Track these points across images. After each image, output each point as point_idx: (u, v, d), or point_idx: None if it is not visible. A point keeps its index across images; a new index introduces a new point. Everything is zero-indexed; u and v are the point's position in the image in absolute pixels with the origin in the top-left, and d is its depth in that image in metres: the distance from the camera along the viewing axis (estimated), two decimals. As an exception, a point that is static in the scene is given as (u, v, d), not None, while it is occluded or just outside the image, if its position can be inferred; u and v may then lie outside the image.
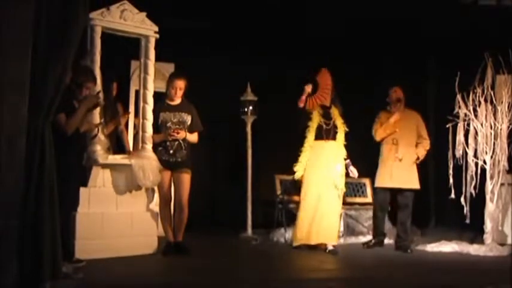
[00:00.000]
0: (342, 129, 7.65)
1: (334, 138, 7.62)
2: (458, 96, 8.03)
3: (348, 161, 7.69)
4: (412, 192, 7.90)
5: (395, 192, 7.96)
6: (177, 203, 6.92)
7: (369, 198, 9.16)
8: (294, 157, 7.72)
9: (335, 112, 7.71)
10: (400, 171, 7.83)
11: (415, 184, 7.91)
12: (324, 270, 6.44)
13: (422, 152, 7.95)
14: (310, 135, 7.61)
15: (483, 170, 8.03)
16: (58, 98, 4.57)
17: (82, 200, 6.27)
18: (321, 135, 7.59)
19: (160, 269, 6.32)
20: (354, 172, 7.77)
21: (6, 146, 4.23)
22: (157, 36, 6.94)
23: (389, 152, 7.92)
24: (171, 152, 6.86)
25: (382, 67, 10.08)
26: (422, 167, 8.28)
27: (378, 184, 8.06)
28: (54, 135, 4.71)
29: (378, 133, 7.98)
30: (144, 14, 6.85)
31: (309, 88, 7.57)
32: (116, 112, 7.53)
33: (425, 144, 8.00)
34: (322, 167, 7.53)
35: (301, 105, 7.56)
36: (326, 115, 7.66)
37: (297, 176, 7.65)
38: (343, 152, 7.64)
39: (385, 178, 7.93)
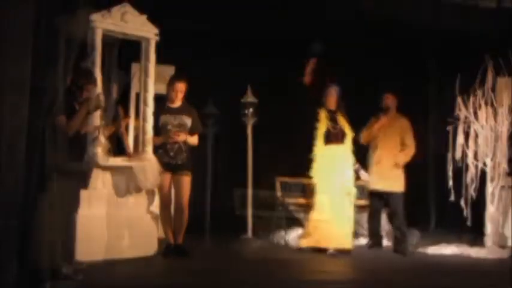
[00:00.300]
0: (349, 134, 7.71)
1: (342, 142, 7.67)
2: (459, 99, 8.04)
3: (358, 165, 7.76)
4: (398, 195, 7.89)
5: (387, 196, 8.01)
6: (177, 205, 6.92)
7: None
8: (295, 159, 7.74)
9: (341, 118, 7.77)
10: (380, 175, 7.89)
11: (395, 187, 7.89)
12: (325, 272, 6.44)
13: (401, 157, 7.92)
14: (320, 139, 7.67)
15: (483, 173, 8.04)
16: (58, 99, 4.58)
17: (82, 201, 6.25)
18: (330, 139, 7.64)
19: (160, 271, 6.31)
20: (365, 175, 7.87)
21: (6, 146, 4.24)
22: (158, 38, 6.94)
23: (373, 156, 8.00)
24: (172, 154, 6.87)
25: (383, 69, 10.06)
26: (423, 169, 8.29)
27: (369, 187, 8.22)
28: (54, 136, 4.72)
29: (363, 137, 8.10)
30: (144, 16, 6.86)
31: (313, 63, 7.64)
32: (117, 114, 7.54)
33: (408, 151, 7.98)
34: (334, 171, 7.60)
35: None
36: (333, 119, 7.71)
37: (315, 181, 7.71)
38: (352, 156, 7.70)
39: (371, 181, 8.03)
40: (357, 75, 9.49)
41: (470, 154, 8.01)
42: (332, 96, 7.79)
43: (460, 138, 8.08)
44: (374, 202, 8.21)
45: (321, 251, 7.49)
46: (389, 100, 8.08)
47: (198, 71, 8.35)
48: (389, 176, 7.87)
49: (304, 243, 7.71)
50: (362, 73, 9.84)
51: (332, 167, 7.59)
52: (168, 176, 6.86)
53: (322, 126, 7.68)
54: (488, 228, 7.94)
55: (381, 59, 9.88)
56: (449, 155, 8.14)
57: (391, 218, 8.18)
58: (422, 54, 9.94)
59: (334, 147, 7.64)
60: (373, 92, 9.00)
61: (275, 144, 9.83)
